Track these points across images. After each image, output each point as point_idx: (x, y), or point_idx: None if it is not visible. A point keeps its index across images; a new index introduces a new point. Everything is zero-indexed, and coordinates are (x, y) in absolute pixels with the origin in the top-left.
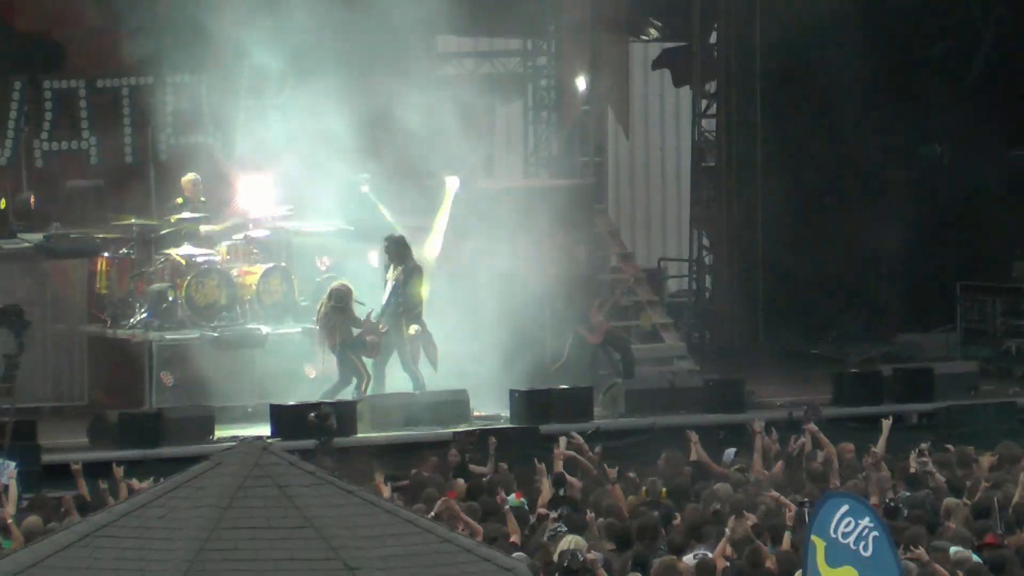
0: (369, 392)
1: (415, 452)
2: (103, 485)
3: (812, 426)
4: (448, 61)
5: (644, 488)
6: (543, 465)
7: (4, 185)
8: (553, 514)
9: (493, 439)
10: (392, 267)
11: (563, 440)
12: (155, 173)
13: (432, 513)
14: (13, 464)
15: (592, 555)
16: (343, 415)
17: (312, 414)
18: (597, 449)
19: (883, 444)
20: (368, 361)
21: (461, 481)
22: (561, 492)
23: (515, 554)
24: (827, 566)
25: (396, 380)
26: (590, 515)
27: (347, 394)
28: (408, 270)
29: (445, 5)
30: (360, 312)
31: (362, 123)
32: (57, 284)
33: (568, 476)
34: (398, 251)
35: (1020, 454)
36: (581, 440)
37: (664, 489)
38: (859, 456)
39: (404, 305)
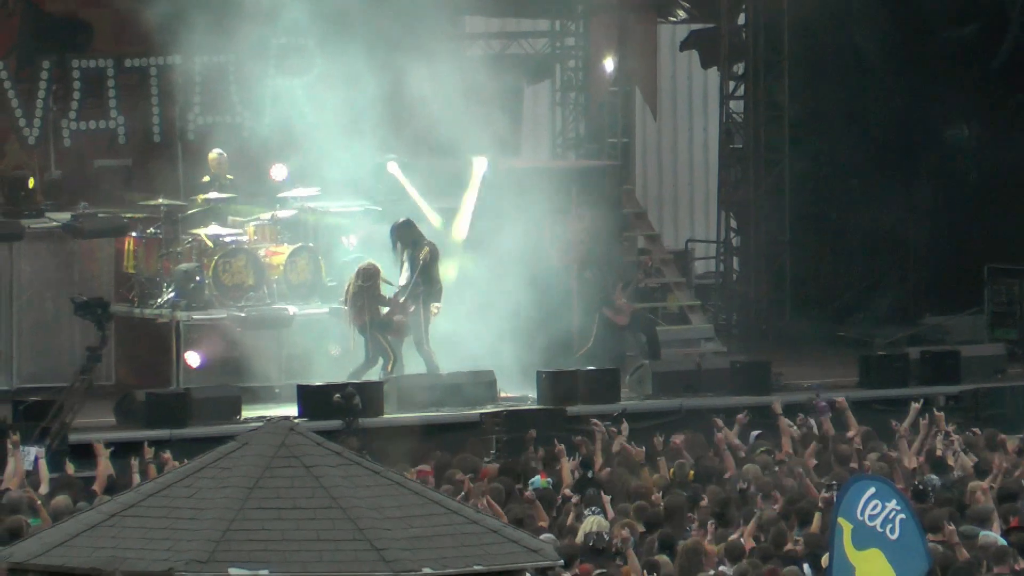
0: (395, 373)
1: (441, 433)
2: (134, 461)
3: (843, 400)
4: (476, 42)
5: (671, 470)
6: (563, 447)
7: (32, 164)
8: (577, 497)
9: (533, 432)
10: (404, 250)
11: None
12: (183, 152)
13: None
14: (34, 450)
15: (624, 533)
16: (370, 396)
17: (337, 394)
18: (623, 427)
19: (908, 426)
20: (394, 342)
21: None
22: (589, 474)
23: (543, 536)
24: (853, 548)
25: (409, 362)
26: (608, 497)
27: (374, 374)
28: (430, 251)
29: None
30: (387, 292)
31: (389, 103)
32: (84, 263)
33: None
34: (407, 234)
35: None
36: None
37: (692, 471)
38: (886, 439)
39: (425, 285)
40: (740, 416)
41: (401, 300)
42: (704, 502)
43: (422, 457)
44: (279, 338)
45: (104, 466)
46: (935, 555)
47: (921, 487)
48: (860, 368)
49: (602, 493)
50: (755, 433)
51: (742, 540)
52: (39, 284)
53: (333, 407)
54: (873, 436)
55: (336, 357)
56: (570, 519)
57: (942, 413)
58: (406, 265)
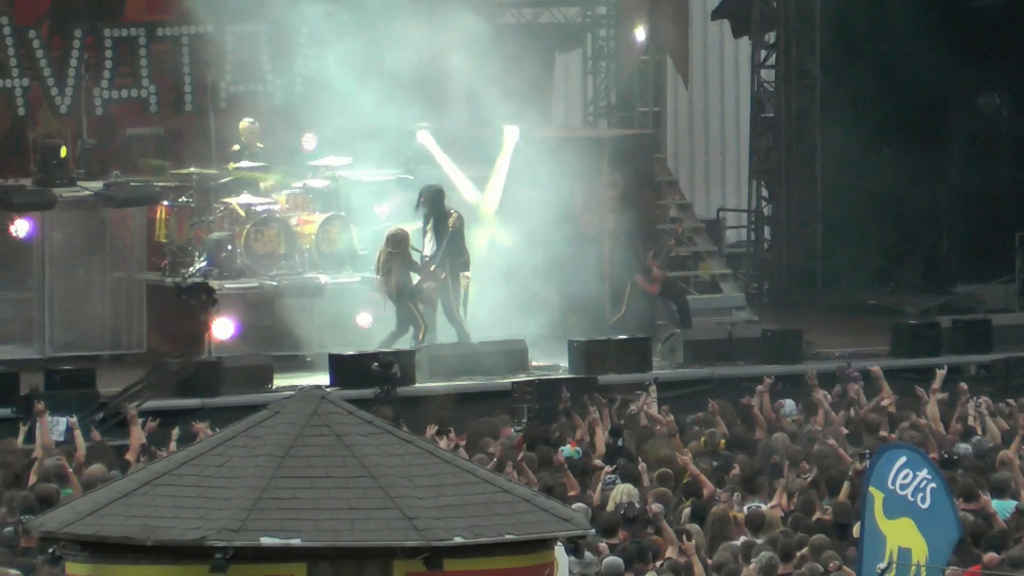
0: (426, 341)
1: (473, 402)
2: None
3: (877, 369)
4: (507, 10)
5: (703, 439)
6: (597, 415)
7: (64, 133)
8: (608, 466)
9: (566, 392)
10: (430, 217)
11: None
12: (215, 121)
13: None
14: (65, 420)
15: (656, 507)
16: (401, 364)
17: (375, 363)
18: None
19: (936, 395)
20: (425, 310)
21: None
22: (619, 443)
23: (574, 505)
24: (884, 518)
25: (440, 330)
26: (643, 465)
27: (405, 343)
28: (458, 218)
29: None
30: (414, 266)
31: (420, 71)
32: (116, 232)
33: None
34: (436, 200)
35: None
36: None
37: (723, 440)
38: (916, 407)
39: (454, 254)
40: (760, 387)
41: (432, 268)
42: (735, 471)
43: (453, 425)
44: (311, 307)
45: (137, 435)
46: (966, 524)
47: (947, 455)
48: (892, 337)
49: (639, 462)
50: (790, 401)
51: (763, 508)
52: (71, 253)
53: (371, 375)
54: (904, 404)
55: (366, 327)
56: (598, 488)
57: (966, 385)
58: (431, 234)
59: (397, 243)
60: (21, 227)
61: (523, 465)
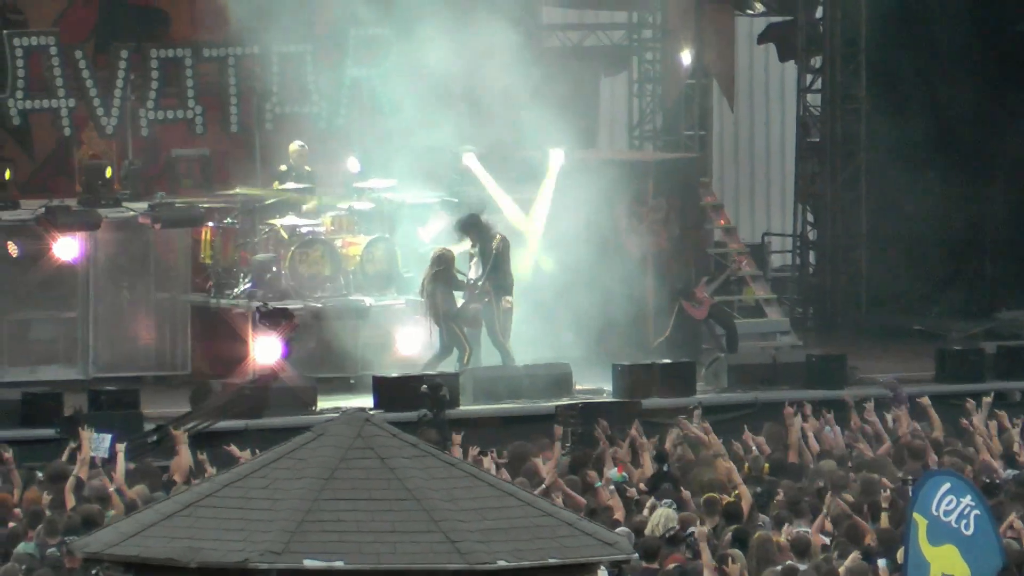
0: (471, 364)
1: (517, 425)
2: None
3: (926, 400)
4: (553, 33)
5: (746, 464)
6: (644, 439)
7: (110, 153)
8: (653, 491)
9: (604, 423)
10: (474, 243)
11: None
12: (260, 142)
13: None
14: (110, 437)
15: (698, 529)
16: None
17: (424, 385)
18: (704, 424)
19: (983, 421)
20: (470, 333)
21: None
22: (664, 468)
23: (618, 529)
24: (928, 544)
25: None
26: (686, 492)
27: (449, 365)
28: (501, 240)
29: None
30: (460, 285)
31: (466, 94)
32: (161, 253)
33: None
34: (474, 228)
35: None
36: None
37: (766, 465)
38: (961, 434)
39: (497, 277)
40: (787, 409)
41: (475, 291)
42: (779, 496)
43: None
44: (355, 329)
45: (184, 456)
46: (1009, 551)
47: (989, 481)
48: (936, 362)
49: (680, 487)
50: (829, 426)
51: (809, 534)
52: (115, 273)
53: (419, 398)
54: (948, 430)
55: (411, 350)
56: (644, 511)
57: (1004, 412)
58: (476, 257)
59: (441, 262)
60: (66, 247)
61: (567, 488)
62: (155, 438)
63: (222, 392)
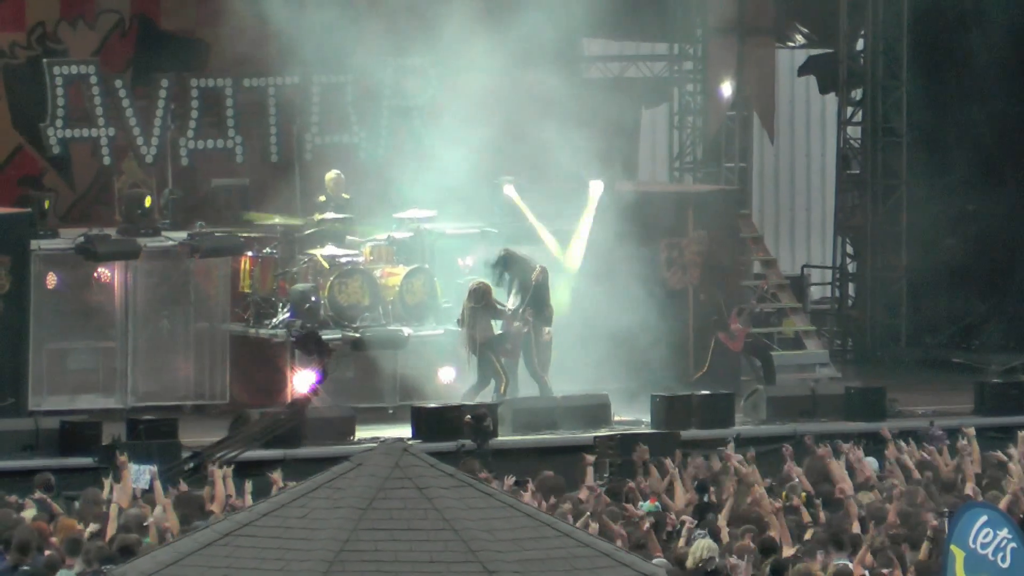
0: (508, 395)
1: (555, 456)
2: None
3: (971, 431)
4: (594, 64)
5: (784, 494)
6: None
7: (150, 183)
8: (691, 520)
9: (643, 445)
10: (513, 278)
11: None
12: (300, 172)
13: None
14: (151, 468)
15: (733, 560)
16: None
17: (469, 416)
18: (750, 454)
19: (1020, 455)
20: (507, 363)
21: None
22: (705, 498)
23: (655, 560)
24: None
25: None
26: (723, 522)
27: (487, 396)
28: (541, 271)
29: (592, 8)
30: (499, 314)
31: (506, 124)
32: (200, 282)
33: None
34: (510, 263)
35: None
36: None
37: (804, 495)
38: (1000, 467)
39: (536, 307)
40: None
41: (514, 323)
42: (819, 528)
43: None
44: (394, 359)
45: (221, 487)
46: None
47: None
48: (975, 395)
49: (718, 517)
50: (872, 459)
51: (851, 566)
52: (154, 302)
53: (464, 428)
54: (987, 463)
55: (449, 380)
56: (681, 542)
57: None
58: (516, 288)
59: (480, 297)
60: (105, 277)
61: (606, 519)
62: (191, 465)
63: (258, 421)
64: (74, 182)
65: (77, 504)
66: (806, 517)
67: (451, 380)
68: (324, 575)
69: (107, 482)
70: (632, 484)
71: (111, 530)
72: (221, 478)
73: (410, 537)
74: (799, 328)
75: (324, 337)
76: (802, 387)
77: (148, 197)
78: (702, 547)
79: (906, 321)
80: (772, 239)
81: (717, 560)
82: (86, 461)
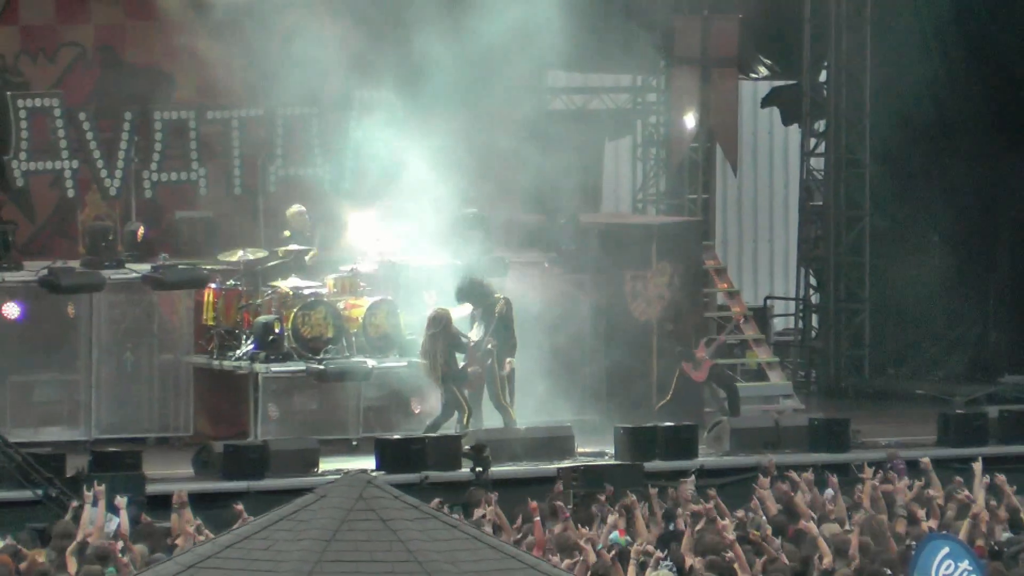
0: (471, 427)
1: (519, 488)
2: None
3: (927, 461)
4: (557, 96)
5: (749, 528)
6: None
7: (114, 215)
8: (660, 552)
9: (609, 487)
10: (477, 307)
11: (690, 482)
12: (264, 205)
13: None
14: (117, 520)
15: None
16: (445, 450)
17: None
18: (711, 492)
19: (979, 485)
20: (471, 395)
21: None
22: (670, 527)
23: None
24: None
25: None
26: (690, 554)
27: (450, 428)
28: (505, 303)
29: (556, 40)
30: (462, 346)
31: (470, 156)
32: (164, 314)
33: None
34: (474, 292)
35: None
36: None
37: (769, 528)
38: (961, 497)
39: (500, 338)
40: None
41: (477, 353)
42: (783, 560)
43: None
44: (358, 391)
45: (187, 518)
46: None
47: (995, 547)
48: (939, 426)
49: (682, 548)
50: (828, 490)
51: None
52: (118, 335)
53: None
54: (949, 494)
55: (414, 412)
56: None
57: (1003, 476)
58: (479, 319)
59: (437, 323)
60: (71, 309)
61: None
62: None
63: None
64: (34, 214)
65: (40, 536)
66: (771, 552)
67: (416, 411)
68: None
69: (71, 513)
70: (595, 510)
71: (73, 565)
72: (188, 510)
73: (374, 569)
74: (762, 360)
75: (286, 368)
76: (766, 419)
77: (112, 230)
78: None
79: (869, 352)
80: (735, 270)
81: None
82: (52, 493)
